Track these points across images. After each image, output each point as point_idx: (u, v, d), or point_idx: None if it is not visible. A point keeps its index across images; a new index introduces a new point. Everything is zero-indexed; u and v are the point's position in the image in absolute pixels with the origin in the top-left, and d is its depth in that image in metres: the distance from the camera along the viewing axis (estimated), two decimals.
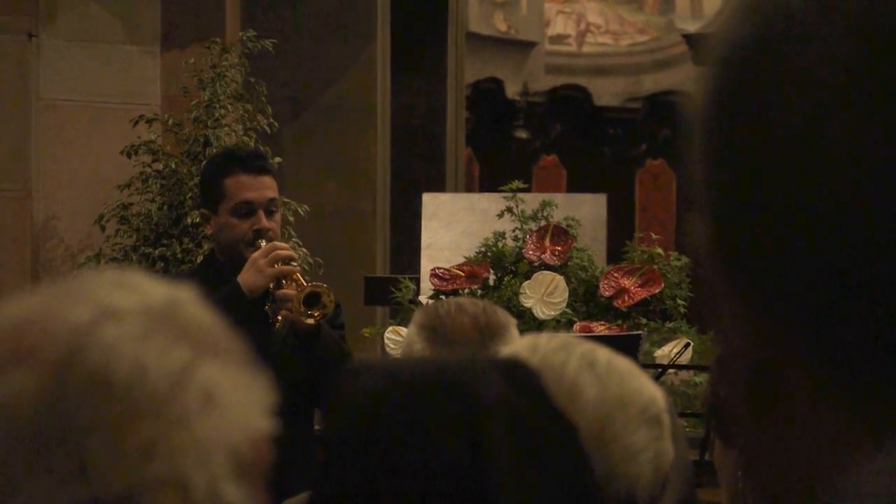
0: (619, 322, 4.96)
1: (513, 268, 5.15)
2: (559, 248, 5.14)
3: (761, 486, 0.69)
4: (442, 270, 5.12)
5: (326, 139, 8.38)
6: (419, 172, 9.63)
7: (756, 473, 0.69)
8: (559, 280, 5.00)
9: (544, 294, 4.99)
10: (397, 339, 4.72)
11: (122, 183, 6.27)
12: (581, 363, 1.70)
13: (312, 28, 8.41)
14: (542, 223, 5.22)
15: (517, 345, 1.79)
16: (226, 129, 6.31)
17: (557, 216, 5.24)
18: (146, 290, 1.05)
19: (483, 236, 5.24)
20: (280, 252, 3.94)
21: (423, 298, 4.99)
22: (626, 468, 1.68)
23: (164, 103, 6.77)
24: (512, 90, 13.94)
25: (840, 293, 0.63)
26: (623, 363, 1.74)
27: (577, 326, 4.92)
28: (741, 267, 0.67)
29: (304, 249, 6.22)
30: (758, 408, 0.68)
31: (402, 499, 1.34)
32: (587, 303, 5.06)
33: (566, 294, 4.99)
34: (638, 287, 5.02)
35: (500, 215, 5.27)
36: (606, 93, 14.38)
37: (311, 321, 3.86)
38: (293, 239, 6.20)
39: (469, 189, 11.55)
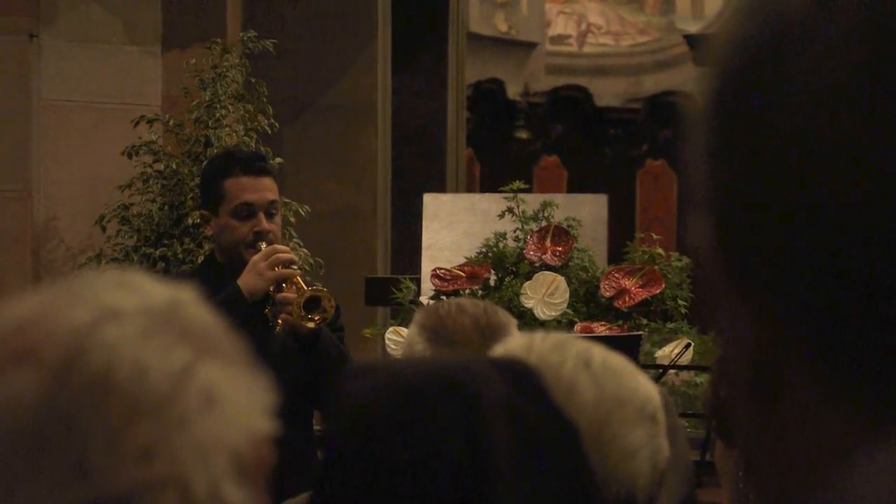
0: (620, 322, 4.97)
1: (514, 268, 5.15)
2: (560, 249, 5.14)
3: (762, 486, 0.69)
4: (443, 271, 5.11)
5: (327, 139, 8.37)
6: (420, 173, 9.62)
7: (756, 473, 0.69)
8: (560, 280, 5.00)
9: (545, 294, 4.99)
10: (398, 339, 4.72)
11: (123, 183, 6.27)
12: (577, 363, 1.70)
13: (313, 28, 8.40)
14: (543, 224, 5.22)
15: (511, 345, 1.78)
16: (227, 129, 6.31)
17: (558, 217, 5.24)
18: (147, 290, 1.05)
19: (484, 237, 5.24)
20: (280, 255, 3.93)
21: (423, 299, 4.99)
22: (625, 467, 1.68)
23: (165, 104, 6.77)
24: (513, 90, 13.95)
25: (840, 293, 0.63)
26: (618, 361, 1.74)
27: (577, 327, 4.92)
28: (741, 267, 0.67)
29: (304, 250, 6.23)
30: (758, 408, 0.68)
31: (402, 499, 1.34)
32: (588, 303, 5.06)
33: (567, 294, 4.99)
34: (639, 287, 5.02)
35: (501, 216, 5.27)
36: (607, 93, 14.39)
37: (311, 325, 3.85)
38: (294, 239, 6.20)
39: (470, 189, 11.54)
